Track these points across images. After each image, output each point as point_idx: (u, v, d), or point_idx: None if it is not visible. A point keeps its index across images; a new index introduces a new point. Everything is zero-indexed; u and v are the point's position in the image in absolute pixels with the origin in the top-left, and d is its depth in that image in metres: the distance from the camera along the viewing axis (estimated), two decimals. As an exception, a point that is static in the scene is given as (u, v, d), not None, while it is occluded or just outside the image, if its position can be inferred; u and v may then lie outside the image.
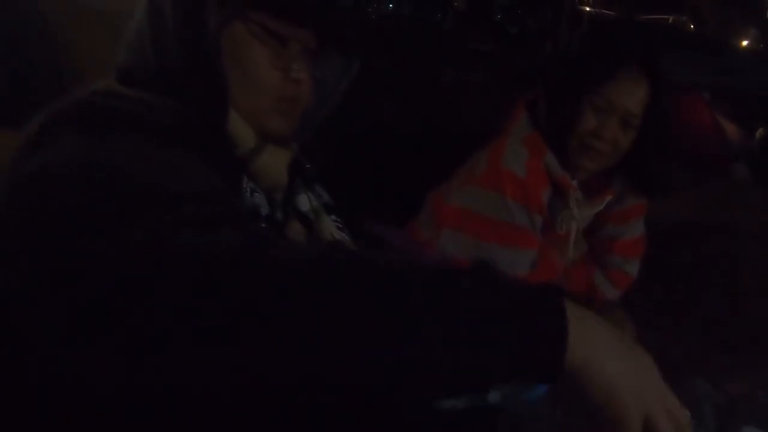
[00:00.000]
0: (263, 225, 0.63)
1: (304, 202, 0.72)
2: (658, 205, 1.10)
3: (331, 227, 0.73)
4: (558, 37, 2.65)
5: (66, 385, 0.45)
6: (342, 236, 0.74)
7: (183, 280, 0.38)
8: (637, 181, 1.01)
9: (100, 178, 0.50)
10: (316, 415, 0.46)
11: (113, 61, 0.84)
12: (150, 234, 0.43)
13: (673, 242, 1.93)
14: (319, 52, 0.68)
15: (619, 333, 0.43)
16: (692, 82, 2.66)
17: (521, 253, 0.97)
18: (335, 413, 0.46)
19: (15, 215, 0.54)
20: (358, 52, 0.72)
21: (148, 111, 0.60)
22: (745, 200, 2.28)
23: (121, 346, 0.40)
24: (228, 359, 0.38)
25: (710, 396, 0.93)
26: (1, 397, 0.54)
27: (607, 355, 0.40)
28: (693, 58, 3.07)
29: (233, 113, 0.66)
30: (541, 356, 0.39)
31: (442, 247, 0.96)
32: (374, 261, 0.42)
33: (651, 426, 0.40)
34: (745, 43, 6.06)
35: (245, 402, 0.43)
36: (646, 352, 0.44)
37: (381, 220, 0.89)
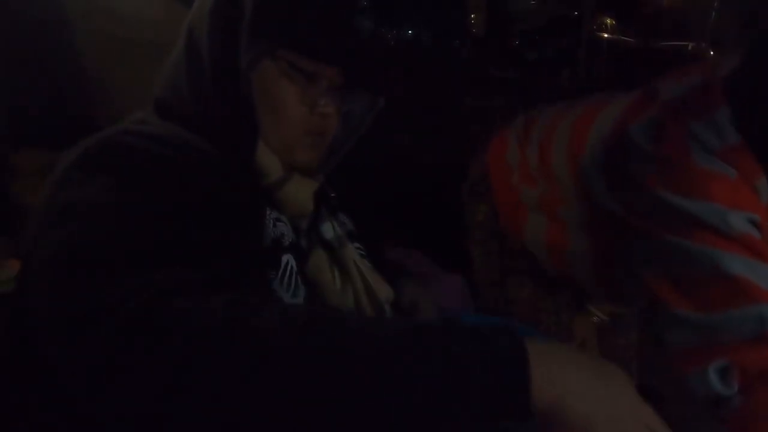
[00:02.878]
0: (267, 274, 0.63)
1: (329, 230, 0.74)
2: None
3: (354, 255, 0.74)
4: (576, 63, 2.66)
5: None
6: (364, 263, 0.75)
7: (170, 344, 0.46)
8: None
9: (114, 229, 0.53)
10: None
11: (143, 87, 0.87)
12: (145, 292, 0.47)
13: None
14: (346, 87, 0.70)
15: (591, 362, 0.45)
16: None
17: None
18: None
19: (43, 247, 0.57)
20: (384, 87, 0.73)
21: (176, 151, 0.63)
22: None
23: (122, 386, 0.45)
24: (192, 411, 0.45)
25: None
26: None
27: (577, 390, 0.41)
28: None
29: (261, 145, 0.68)
30: (507, 406, 0.41)
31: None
32: (345, 334, 0.45)
33: None
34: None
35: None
36: (619, 373, 0.45)
37: (402, 246, 0.90)
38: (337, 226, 0.79)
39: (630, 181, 0.90)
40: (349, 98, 0.74)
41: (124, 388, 0.46)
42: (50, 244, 0.57)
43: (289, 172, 0.73)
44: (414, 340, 0.44)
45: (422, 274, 0.86)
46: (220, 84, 0.68)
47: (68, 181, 0.61)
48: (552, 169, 1.12)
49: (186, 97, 0.70)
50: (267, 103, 0.70)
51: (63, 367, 0.50)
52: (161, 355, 0.45)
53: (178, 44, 0.72)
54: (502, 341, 0.44)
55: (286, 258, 0.70)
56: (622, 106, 1.01)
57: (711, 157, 0.81)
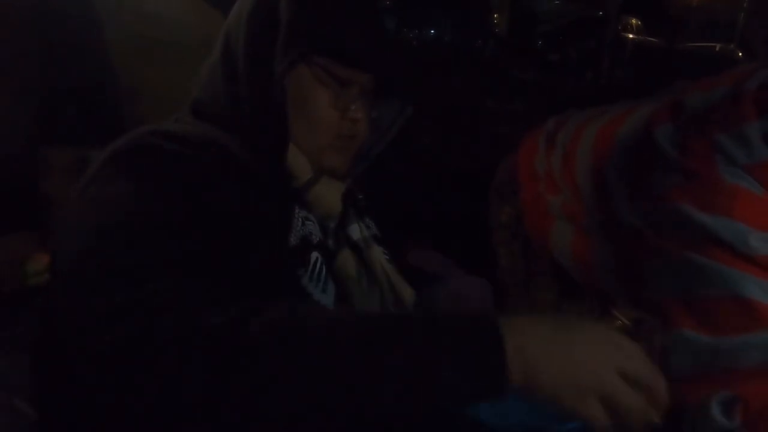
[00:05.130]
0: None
1: (356, 231, 0.75)
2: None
3: (380, 256, 0.75)
4: (600, 65, 2.62)
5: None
6: (389, 267, 0.76)
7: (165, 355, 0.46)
8: None
9: (133, 229, 0.54)
10: None
11: (169, 85, 0.89)
12: (139, 305, 0.47)
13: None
14: (377, 93, 0.71)
15: (557, 328, 0.45)
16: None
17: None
18: None
19: (67, 242, 0.58)
20: (413, 95, 0.74)
21: (203, 152, 0.63)
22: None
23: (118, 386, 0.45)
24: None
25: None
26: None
27: (543, 365, 0.42)
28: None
29: (292, 148, 0.69)
30: (487, 386, 0.43)
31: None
32: (338, 332, 0.47)
33: (612, 404, 0.42)
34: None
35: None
36: (588, 329, 0.45)
37: (426, 248, 0.90)
38: (364, 228, 0.80)
39: (652, 191, 0.87)
40: (379, 104, 0.76)
41: (124, 388, 0.47)
42: (74, 239, 0.58)
43: (318, 174, 0.74)
44: (394, 328, 0.47)
45: (445, 277, 0.86)
46: (255, 88, 0.69)
47: (96, 180, 0.63)
48: (575, 176, 1.11)
49: (221, 100, 0.71)
50: (300, 107, 0.71)
51: (79, 358, 0.51)
52: (156, 366, 0.46)
53: (215, 48, 0.74)
54: (480, 326, 0.45)
55: (315, 255, 0.70)
56: (648, 112, 0.99)
57: (738, 171, 0.78)
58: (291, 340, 0.46)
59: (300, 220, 0.71)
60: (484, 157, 1.45)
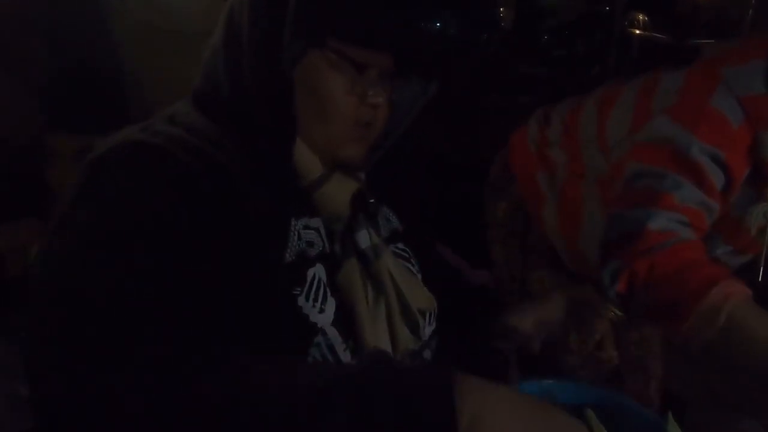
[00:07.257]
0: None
1: (365, 239, 0.70)
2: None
3: (389, 264, 0.70)
4: (607, 61, 2.61)
5: None
6: (401, 271, 0.71)
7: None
8: None
9: (110, 254, 0.52)
10: None
11: (178, 76, 0.86)
12: (110, 367, 0.46)
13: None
14: (397, 75, 0.66)
15: (519, 401, 0.45)
16: None
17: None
18: None
19: (43, 253, 0.56)
20: (437, 75, 0.69)
21: (192, 167, 0.58)
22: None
23: None
24: None
25: (758, 436, 0.89)
26: None
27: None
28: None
29: (300, 143, 0.65)
30: None
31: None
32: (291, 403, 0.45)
33: None
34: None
35: None
36: (547, 412, 0.45)
37: (441, 245, 0.88)
38: (374, 234, 0.73)
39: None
40: (398, 87, 0.69)
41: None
42: (48, 262, 0.57)
43: (329, 170, 0.69)
44: (335, 392, 0.46)
45: (467, 271, 0.84)
46: (261, 77, 0.61)
47: (75, 193, 0.58)
48: (578, 138, 1.12)
49: (223, 90, 0.65)
50: (313, 96, 0.63)
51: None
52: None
53: (216, 31, 0.68)
54: (429, 389, 0.45)
55: (313, 272, 0.64)
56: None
57: (731, 100, 0.81)
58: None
59: (296, 233, 0.64)
60: (487, 153, 1.45)
